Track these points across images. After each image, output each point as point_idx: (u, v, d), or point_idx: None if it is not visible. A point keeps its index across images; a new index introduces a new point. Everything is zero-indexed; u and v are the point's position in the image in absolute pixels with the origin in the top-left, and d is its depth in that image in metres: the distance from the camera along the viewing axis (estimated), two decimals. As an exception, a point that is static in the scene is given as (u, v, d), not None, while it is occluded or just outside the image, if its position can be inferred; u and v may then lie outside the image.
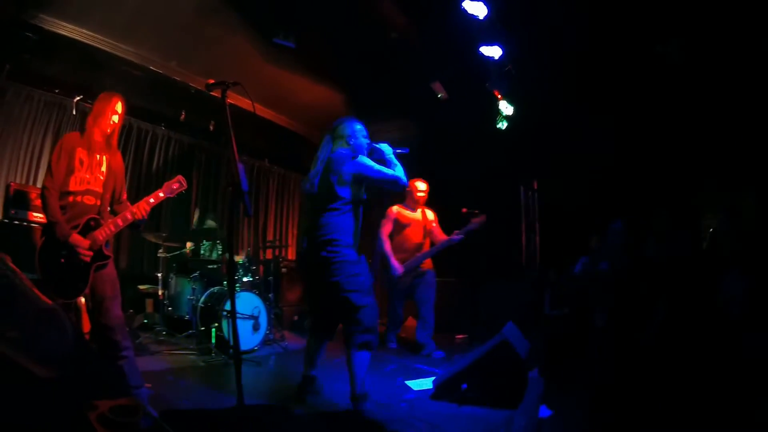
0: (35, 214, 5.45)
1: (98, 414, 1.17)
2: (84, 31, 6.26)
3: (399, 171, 3.86)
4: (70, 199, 3.37)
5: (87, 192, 3.43)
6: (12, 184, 5.60)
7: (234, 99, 2.73)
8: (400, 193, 5.86)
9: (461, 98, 7.54)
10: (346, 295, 3.63)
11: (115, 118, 3.59)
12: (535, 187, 7.98)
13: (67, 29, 6.16)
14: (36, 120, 6.49)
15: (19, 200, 5.47)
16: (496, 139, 7.35)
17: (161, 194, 3.61)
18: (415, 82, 7.43)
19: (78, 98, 6.61)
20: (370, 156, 3.97)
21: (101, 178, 3.52)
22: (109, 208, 3.61)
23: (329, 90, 8.00)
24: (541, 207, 8.11)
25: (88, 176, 3.44)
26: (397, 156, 4.03)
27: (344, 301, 3.64)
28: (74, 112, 6.68)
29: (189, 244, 6.97)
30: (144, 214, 3.51)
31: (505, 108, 7.04)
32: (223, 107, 2.62)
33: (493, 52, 6.08)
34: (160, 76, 7.18)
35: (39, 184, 6.08)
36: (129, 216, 3.45)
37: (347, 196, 3.75)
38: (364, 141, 4.02)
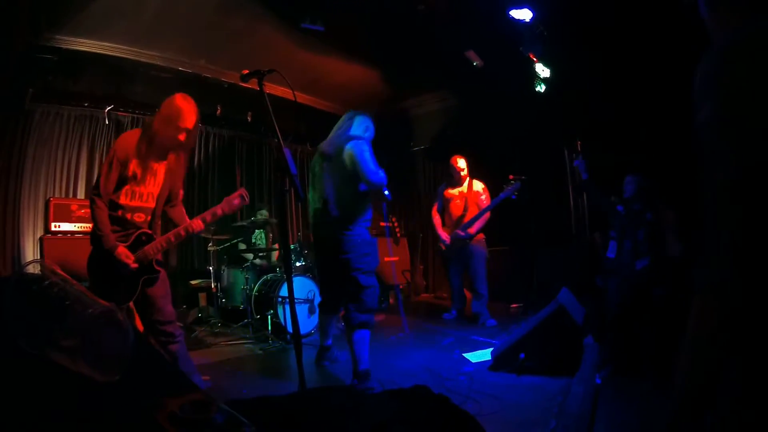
0: (78, 226, 5.64)
1: (168, 413, 1.15)
2: (105, 44, 6.31)
3: (380, 176, 3.86)
4: (119, 213, 3.28)
5: (137, 209, 3.33)
6: (52, 199, 5.82)
7: (269, 88, 2.71)
8: (450, 174, 6.61)
9: (497, 64, 7.40)
10: (355, 273, 3.90)
11: (182, 136, 3.30)
12: (579, 149, 7.78)
13: (88, 45, 6.22)
14: (68, 135, 6.62)
15: (60, 214, 5.70)
16: (535, 103, 7.19)
17: (219, 211, 3.43)
18: (449, 52, 7.31)
19: (109, 108, 6.73)
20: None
21: (155, 193, 3.39)
22: (160, 214, 3.50)
23: (364, 68, 7.94)
24: (586, 167, 7.91)
25: (141, 190, 3.32)
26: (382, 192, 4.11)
27: (352, 279, 3.90)
28: (107, 122, 6.80)
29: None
30: (198, 231, 3.41)
31: (542, 70, 6.87)
32: (261, 95, 2.60)
33: (523, 14, 5.93)
34: (191, 75, 7.22)
35: (78, 197, 6.36)
36: (183, 233, 3.37)
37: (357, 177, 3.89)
38: (371, 138, 4.18)
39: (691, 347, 1.20)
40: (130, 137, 3.36)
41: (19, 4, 4.94)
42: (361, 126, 4.15)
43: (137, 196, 3.32)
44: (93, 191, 3.28)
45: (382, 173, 3.88)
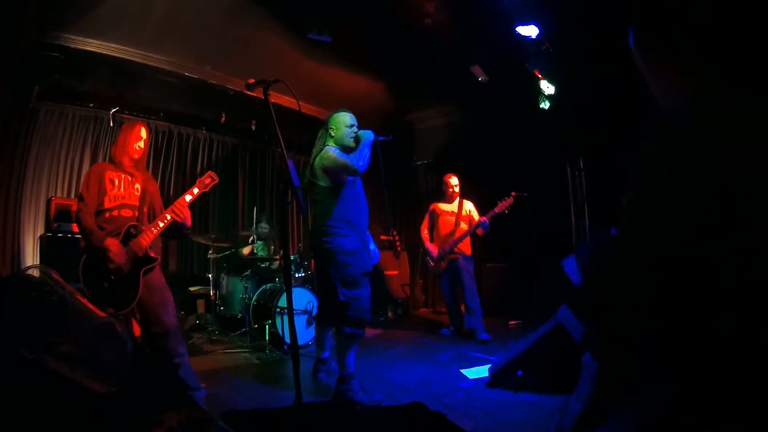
0: (78, 226, 5.67)
1: (166, 429, 1.13)
2: (112, 45, 6.32)
3: (356, 158, 3.85)
4: (107, 215, 3.42)
5: (122, 206, 3.48)
6: (53, 198, 5.82)
7: (274, 97, 2.71)
8: (443, 191, 6.74)
9: (502, 80, 7.41)
10: (335, 286, 3.89)
11: (140, 144, 3.67)
12: (582, 166, 7.77)
13: (95, 45, 6.23)
14: (72, 135, 6.67)
15: (61, 214, 5.71)
16: (540, 120, 7.20)
17: (195, 190, 3.63)
18: (454, 67, 7.33)
19: (114, 110, 6.73)
20: (355, 141, 4.10)
21: (136, 193, 3.57)
22: (148, 222, 3.58)
23: (369, 80, 7.95)
24: (588, 185, 7.91)
25: (121, 192, 3.50)
26: (381, 142, 4.09)
27: (334, 292, 3.90)
28: (111, 124, 6.81)
29: (247, 249, 7.10)
30: (183, 211, 3.48)
31: (547, 87, 6.89)
32: (267, 105, 2.61)
33: (529, 31, 5.93)
34: (196, 81, 7.23)
35: (80, 197, 6.33)
36: (170, 215, 3.45)
37: (328, 185, 3.98)
38: (347, 129, 4.15)
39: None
40: (101, 163, 3.78)
41: (25, 1, 4.96)
42: (328, 135, 4.20)
43: (120, 197, 3.49)
44: (78, 205, 3.43)
45: (357, 154, 3.87)
